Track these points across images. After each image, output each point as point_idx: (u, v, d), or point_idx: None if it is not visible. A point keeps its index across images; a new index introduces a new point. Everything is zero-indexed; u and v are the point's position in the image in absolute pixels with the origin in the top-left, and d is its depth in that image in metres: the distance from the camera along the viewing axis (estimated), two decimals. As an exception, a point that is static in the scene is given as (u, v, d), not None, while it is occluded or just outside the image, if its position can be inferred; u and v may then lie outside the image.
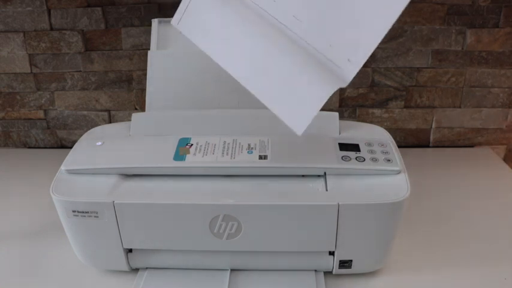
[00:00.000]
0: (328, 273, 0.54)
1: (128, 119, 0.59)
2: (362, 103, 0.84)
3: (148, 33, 0.62)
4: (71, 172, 0.51)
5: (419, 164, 0.78)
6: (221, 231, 0.49)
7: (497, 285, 0.53)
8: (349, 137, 0.55)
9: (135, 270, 0.55)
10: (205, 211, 0.48)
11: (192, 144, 0.53)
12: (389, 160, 0.51)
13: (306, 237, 0.49)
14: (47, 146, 0.90)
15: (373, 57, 0.80)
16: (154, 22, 0.61)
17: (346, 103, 0.84)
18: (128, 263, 0.54)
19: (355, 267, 0.52)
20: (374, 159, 0.51)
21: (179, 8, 0.48)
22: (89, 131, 0.61)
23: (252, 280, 0.53)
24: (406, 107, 0.84)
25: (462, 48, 0.79)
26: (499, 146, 0.87)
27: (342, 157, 0.51)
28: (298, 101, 0.43)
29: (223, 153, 0.51)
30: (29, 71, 0.83)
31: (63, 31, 0.80)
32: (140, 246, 0.52)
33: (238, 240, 0.49)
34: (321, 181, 0.50)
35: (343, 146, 0.53)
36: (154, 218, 0.49)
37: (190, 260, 0.54)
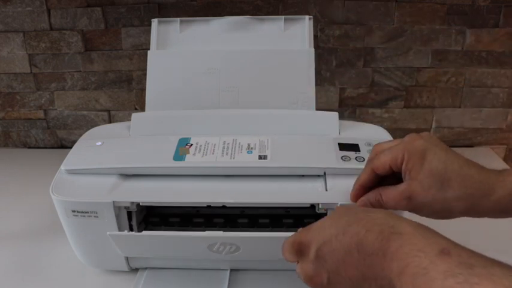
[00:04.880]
0: (328, 273, 0.54)
1: (128, 119, 0.59)
2: (362, 103, 0.84)
3: (148, 33, 0.62)
4: (70, 172, 0.51)
5: (419, 164, 0.78)
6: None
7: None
8: (349, 137, 0.55)
9: (135, 270, 0.55)
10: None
11: (191, 144, 0.53)
12: (389, 160, 0.51)
13: (305, 237, 0.49)
14: (47, 146, 0.90)
15: (373, 57, 0.80)
16: (154, 22, 0.61)
17: (346, 103, 0.84)
18: (128, 263, 0.54)
19: (355, 267, 0.52)
20: (374, 159, 0.51)
21: None
22: (88, 131, 0.61)
23: (252, 280, 0.53)
24: (406, 106, 0.84)
25: (462, 48, 0.79)
26: (499, 146, 0.87)
27: (342, 157, 0.51)
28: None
29: (223, 153, 0.51)
30: (29, 71, 0.83)
31: (63, 31, 0.80)
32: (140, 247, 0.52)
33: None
34: (321, 181, 0.50)
35: (343, 146, 0.53)
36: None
37: (190, 260, 0.54)
